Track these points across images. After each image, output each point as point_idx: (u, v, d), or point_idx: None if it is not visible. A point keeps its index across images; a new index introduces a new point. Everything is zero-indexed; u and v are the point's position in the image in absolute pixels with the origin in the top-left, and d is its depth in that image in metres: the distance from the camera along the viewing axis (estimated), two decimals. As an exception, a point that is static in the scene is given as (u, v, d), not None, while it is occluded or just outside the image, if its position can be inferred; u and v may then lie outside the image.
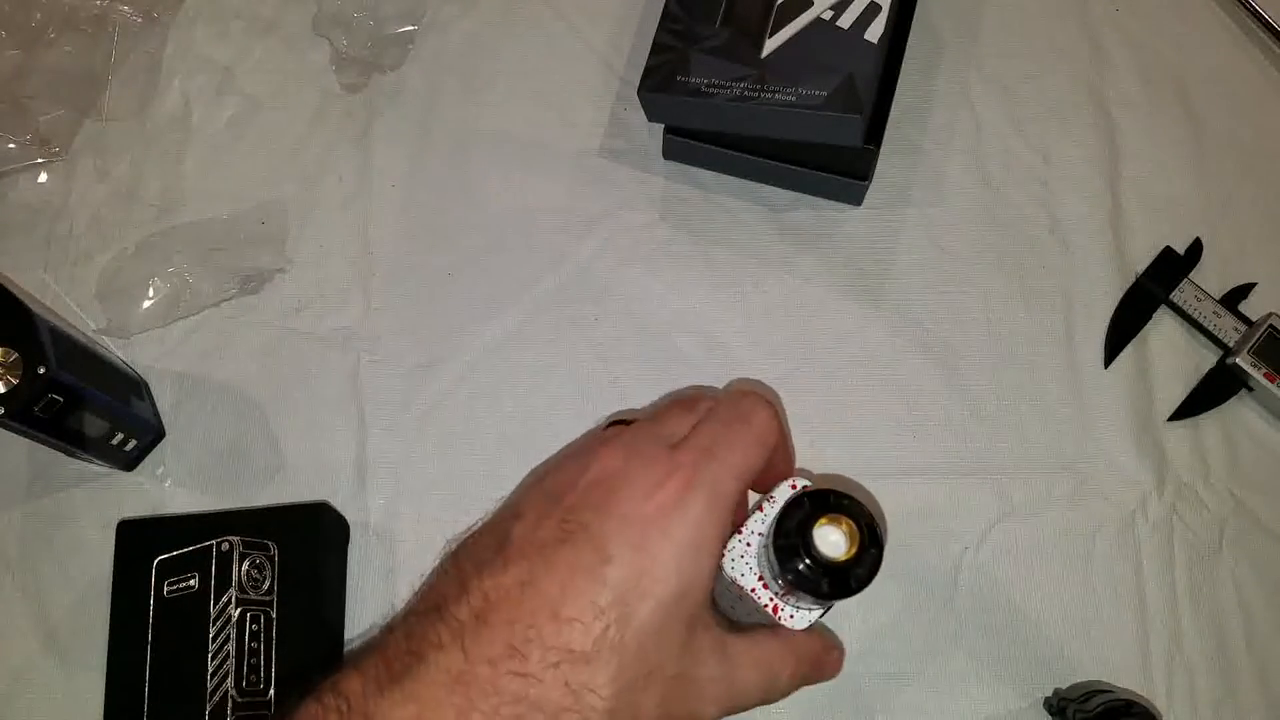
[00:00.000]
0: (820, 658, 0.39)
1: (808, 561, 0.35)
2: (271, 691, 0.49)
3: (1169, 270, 0.58)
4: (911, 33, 0.60)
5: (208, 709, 0.49)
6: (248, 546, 0.51)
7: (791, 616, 0.38)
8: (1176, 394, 0.57)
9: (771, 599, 0.38)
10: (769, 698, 0.37)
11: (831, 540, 0.35)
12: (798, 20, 0.55)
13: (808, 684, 0.39)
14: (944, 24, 0.64)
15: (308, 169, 0.63)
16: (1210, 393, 0.56)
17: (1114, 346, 0.58)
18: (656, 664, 0.32)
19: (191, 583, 0.51)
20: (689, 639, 0.33)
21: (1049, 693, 0.52)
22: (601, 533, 0.33)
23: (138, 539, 0.53)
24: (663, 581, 0.32)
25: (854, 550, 0.35)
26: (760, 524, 0.38)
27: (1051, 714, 0.51)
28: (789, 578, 0.35)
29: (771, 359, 0.58)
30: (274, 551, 0.51)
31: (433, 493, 0.56)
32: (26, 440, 0.53)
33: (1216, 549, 0.54)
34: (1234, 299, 0.58)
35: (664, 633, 0.32)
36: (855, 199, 0.60)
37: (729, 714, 0.35)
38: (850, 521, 0.35)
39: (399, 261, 0.61)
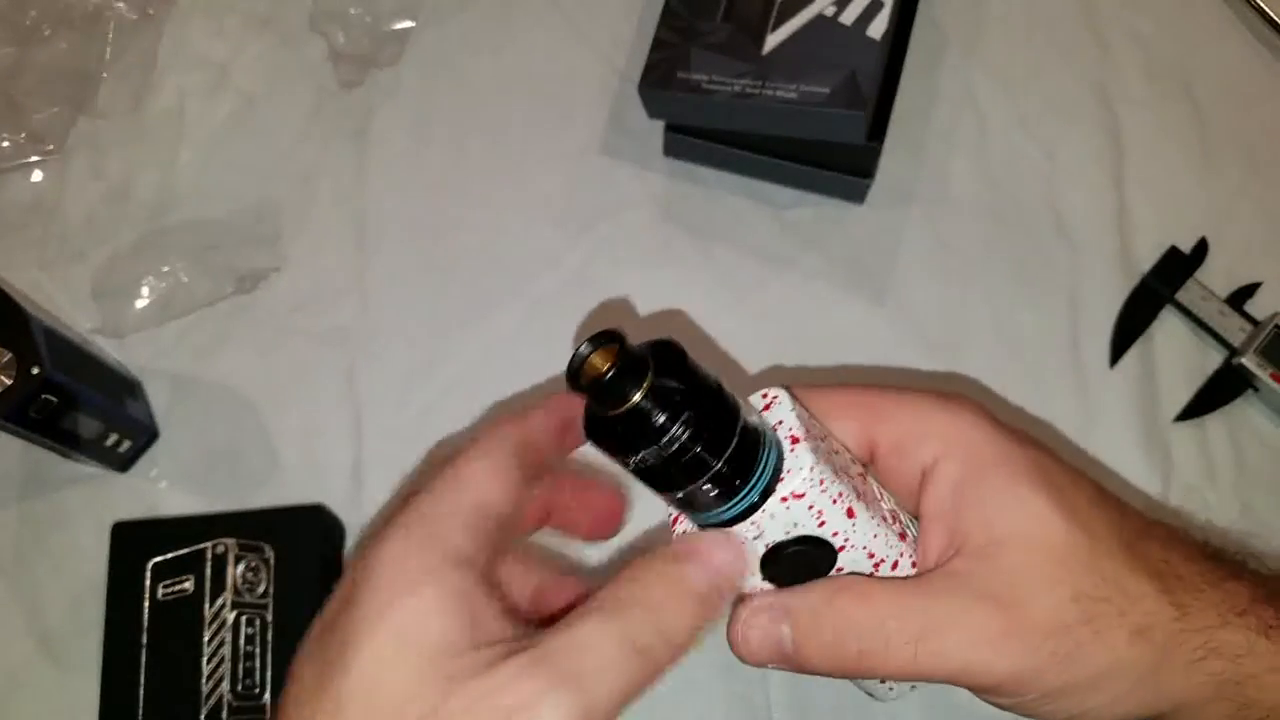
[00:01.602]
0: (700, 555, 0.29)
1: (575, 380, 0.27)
2: (267, 695, 0.49)
3: (1174, 269, 0.58)
4: (915, 28, 0.59)
5: (203, 713, 0.48)
6: (243, 549, 0.51)
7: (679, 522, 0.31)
8: (1182, 394, 0.56)
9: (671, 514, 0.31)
10: (666, 649, 0.27)
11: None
12: (799, 16, 0.55)
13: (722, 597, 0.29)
14: (947, 20, 0.64)
15: (304, 167, 0.62)
16: (1216, 393, 0.56)
17: (1119, 346, 0.57)
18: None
19: (186, 585, 0.50)
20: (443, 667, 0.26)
21: (1053, 697, 0.51)
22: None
23: (132, 541, 0.52)
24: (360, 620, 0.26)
25: (607, 364, 0.27)
26: None
27: (1056, 718, 0.51)
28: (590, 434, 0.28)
29: (772, 358, 0.57)
30: (269, 554, 0.51)
31: (430, 494, 0.56)
32: (20, 441, 0.52)
33: (1223, 551, 0.54)
34: (1240, 298, 0.57)
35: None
36: (858, 197, 0.60)
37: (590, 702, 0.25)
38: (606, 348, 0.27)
39: (396, 260, 0.60)
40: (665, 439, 0.27)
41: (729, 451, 0.28)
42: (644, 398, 0.26)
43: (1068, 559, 0.30)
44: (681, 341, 0.28)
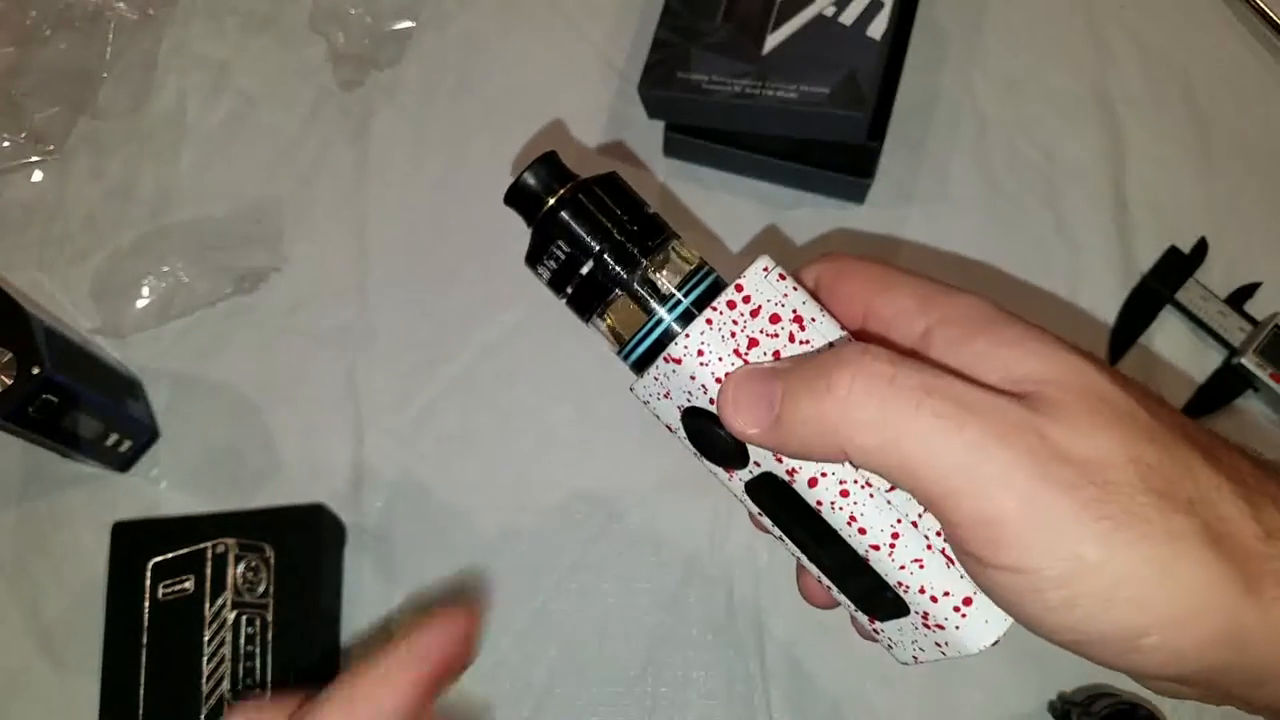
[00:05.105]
0: None
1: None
2: (267, 695, 0.49)
3: (1174, 269, 0.58)
4: (915, 29, 0.59)
5: (203, 712, 0.48)
6: (243, 549, 0.50)
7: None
8: (1182, 394, 0.56)
9: None
10: None
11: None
12: (799, 16, 0.55)
13: None
14: (948, 20, 0.64)
15: (304, 167, 0.62)
16: (1216, 393, 0.56)
17: (1119, 346, 0.57)
18: None
19: (187, 585, 0.50)
20: None
21: (1054, 696, 0.51)
22: None
23: (132, 541, 0.52)
24: None
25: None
26: None
27: (1056, 718, 0.51)
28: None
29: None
30: (270, 554, 0.51)
31: (430, 494, 0.56)
32: (20, 441, 0.52)
33: (1223, 551, 0.54)
34: (1239, 298, 0.57)
35: None
36: (858, 197, 0.60)
37: None
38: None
39: (396, 260, 0.60)
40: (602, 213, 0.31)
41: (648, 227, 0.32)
42: (570, 192, 0.32)
43: (1119, 417, 0.23)
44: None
